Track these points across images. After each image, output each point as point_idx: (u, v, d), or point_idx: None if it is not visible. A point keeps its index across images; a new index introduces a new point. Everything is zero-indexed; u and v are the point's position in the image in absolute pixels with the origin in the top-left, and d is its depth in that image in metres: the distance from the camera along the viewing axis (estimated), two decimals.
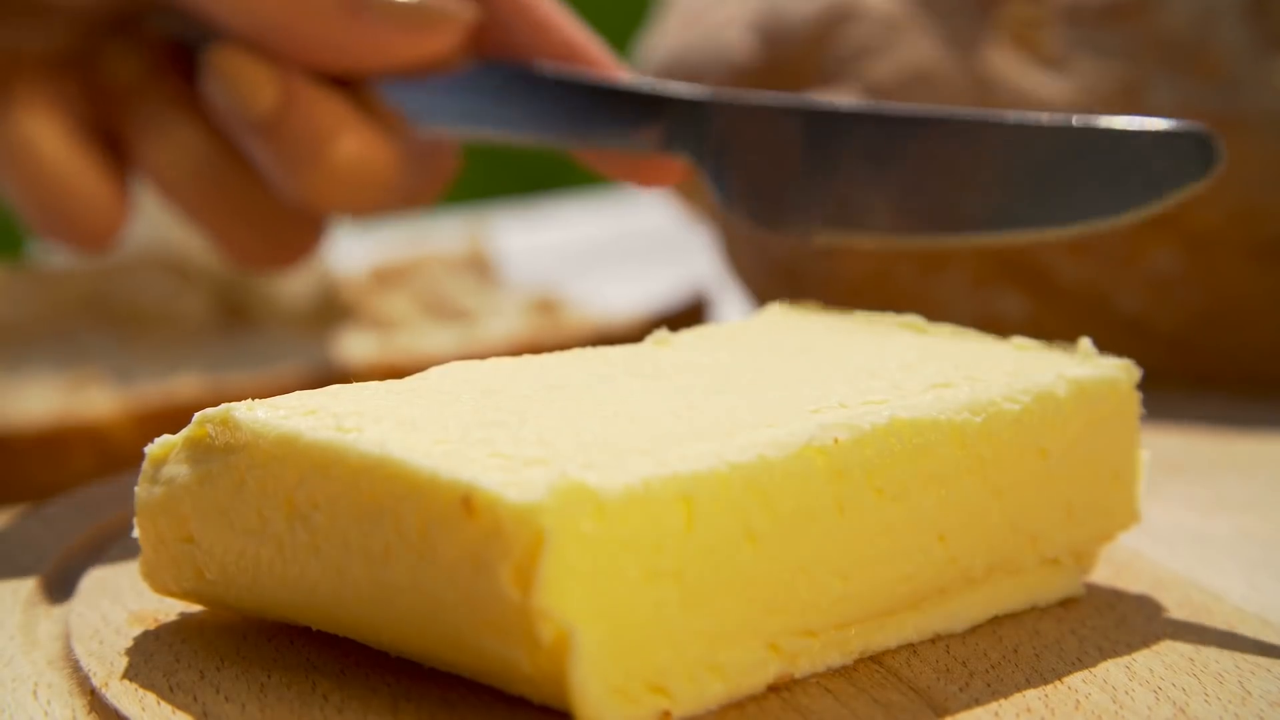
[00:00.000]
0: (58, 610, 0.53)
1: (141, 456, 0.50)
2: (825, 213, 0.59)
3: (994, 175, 0.57)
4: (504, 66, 0.66)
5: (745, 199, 0.61)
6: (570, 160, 0.69)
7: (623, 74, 0.65)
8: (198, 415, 0.49)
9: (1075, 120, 0.56)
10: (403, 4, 0.63)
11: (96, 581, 0.54)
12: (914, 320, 0.57)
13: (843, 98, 0.78)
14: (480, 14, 0.66)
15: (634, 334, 0.75)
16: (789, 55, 0.81)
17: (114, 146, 0.70)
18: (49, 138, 0.67)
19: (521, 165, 2.04)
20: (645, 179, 0.65)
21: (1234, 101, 0.75)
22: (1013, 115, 0.57)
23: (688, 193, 0.89)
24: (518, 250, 1.06)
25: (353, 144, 0.65)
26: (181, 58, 0.69)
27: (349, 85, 0.67)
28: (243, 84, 0.64)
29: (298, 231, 0.69)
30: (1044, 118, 0.56)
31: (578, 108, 0.64)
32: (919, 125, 0.58)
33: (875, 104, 0.59)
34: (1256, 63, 0.76)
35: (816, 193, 0.59)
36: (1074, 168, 0.56)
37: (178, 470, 0.49)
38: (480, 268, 0.90)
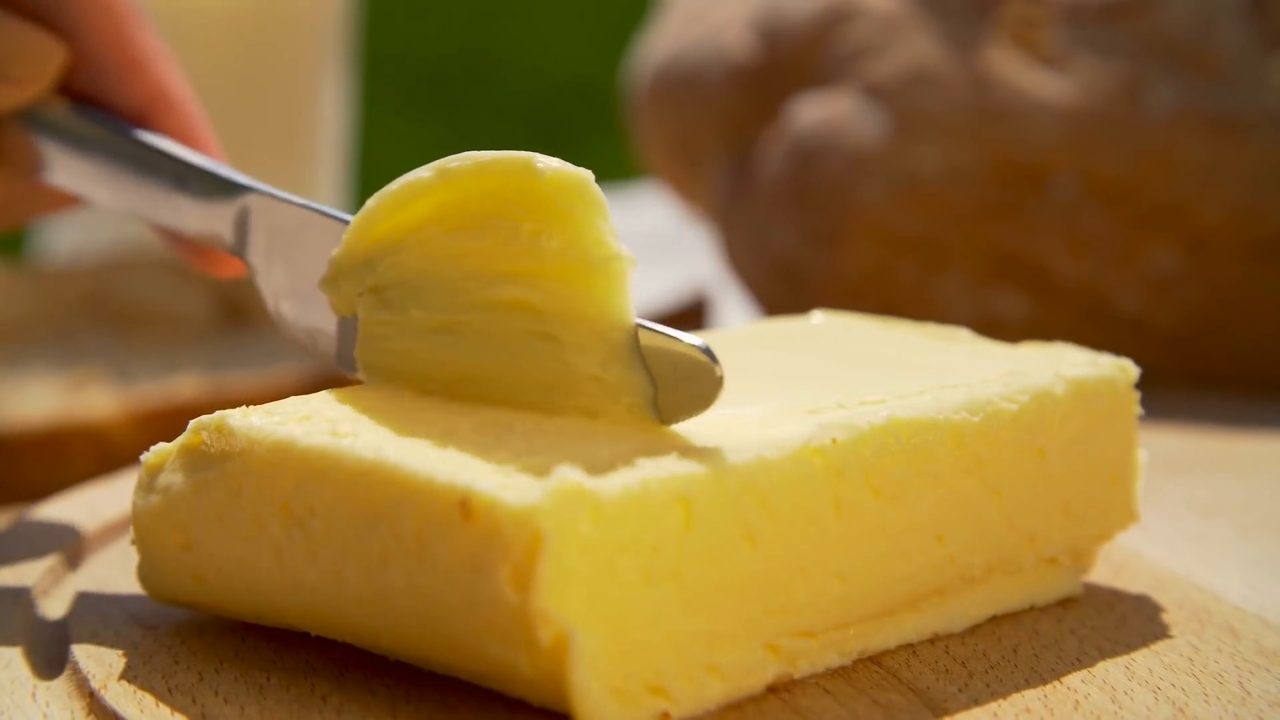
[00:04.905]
0: (57, 612, 0.53)
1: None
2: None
3: None
4: (92, 114, 0.59)
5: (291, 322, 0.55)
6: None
7: (203, 136, 0.59)
8: (193, 423, 0.49)
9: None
10: None
11: (96, 583, 0.54)
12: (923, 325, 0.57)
13: (842, 96, 0.79)
14: (67, 55, 0.59)
15: None
16: (789, 55, 0.81)
17: None
18: None
19: None
20: (207, 267, 0.59)
21: (1234, 101, 0.75)
22: None
23: (688, 192, 0.89)
24: None
25: None
26: None
27: None
28: None
29: None
30: None
31: (147, 180, 0.58)
32: None
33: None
34: (1256, 63, 0.76)
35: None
36: None
37: (174, 478, 0.49)
38: None
